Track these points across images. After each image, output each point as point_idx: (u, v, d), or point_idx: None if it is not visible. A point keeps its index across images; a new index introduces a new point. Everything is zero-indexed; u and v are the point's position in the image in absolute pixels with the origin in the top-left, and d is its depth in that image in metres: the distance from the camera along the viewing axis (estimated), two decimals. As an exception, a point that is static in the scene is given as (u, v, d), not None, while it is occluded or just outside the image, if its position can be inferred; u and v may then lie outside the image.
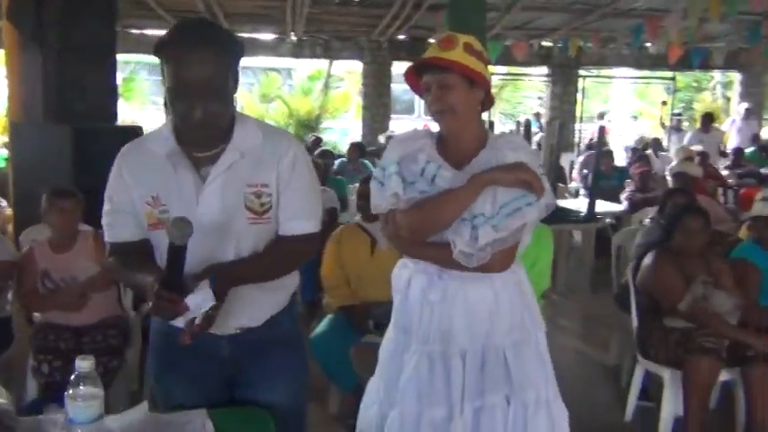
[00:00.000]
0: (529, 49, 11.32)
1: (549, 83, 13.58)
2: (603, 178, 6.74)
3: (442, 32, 3.30)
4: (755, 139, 10.74)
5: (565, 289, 5.79)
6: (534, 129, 10.77)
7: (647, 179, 7.02)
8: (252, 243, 1.76)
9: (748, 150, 9.88)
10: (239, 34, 9.57)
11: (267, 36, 11.96)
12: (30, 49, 4.48)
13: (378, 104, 12.73)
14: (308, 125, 14.89)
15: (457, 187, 1.84)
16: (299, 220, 1.78)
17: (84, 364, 1.40)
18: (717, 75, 16.90)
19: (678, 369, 3.14)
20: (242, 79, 1.78)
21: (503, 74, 14.53)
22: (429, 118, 2.09)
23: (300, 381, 1.95)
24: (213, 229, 1.70)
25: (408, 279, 1.98)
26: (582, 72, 13.49)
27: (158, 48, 1.66)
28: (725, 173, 8.37)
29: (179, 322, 1.61)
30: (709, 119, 10.38)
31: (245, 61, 1.80)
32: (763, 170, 8.69)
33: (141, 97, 16.33)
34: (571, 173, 9.53)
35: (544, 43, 12.35)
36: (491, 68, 2.32)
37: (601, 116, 13.69)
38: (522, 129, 8.42)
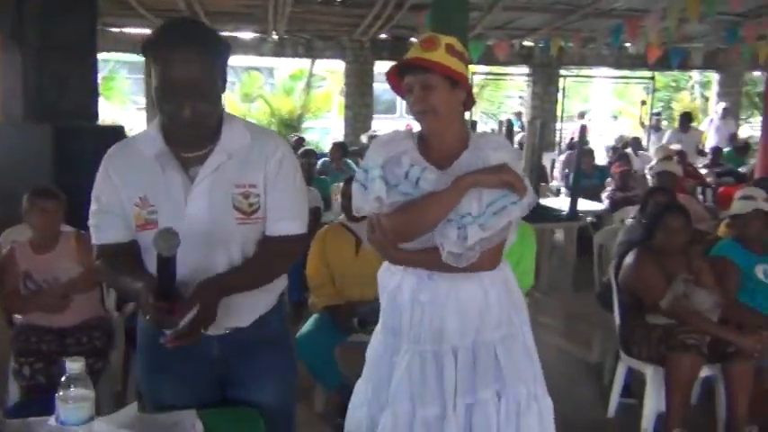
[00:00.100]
0: (510, 49, 11.34)
1: (531, 82, 13.64)
2: (585, 177, 6.77)
3: (424, 32, 3.31)
4: (732, 138, 10.88)
5: (547, 287, 5.82)
6: (516, 128, 10.80)
7: (628, 178, 7.10)
8: (241, 243, 1.76)
9: (726, 150, 10.01)
10: (221, 33, 9.48)
11: (249, 35, 11.88)
12: (9, 48, 4.43)
13: (360, 104, 12.70)
14: (290, 124, 14.81)
15: (441, 190, 1.85)
16: (285, 221, 1.79)
17: (74, 365, 1.40)
18: (695, 75, 17.04)
19: (660, 366, 3.18)
20: (226, 79, 1.76)
21: (484, 73, 14.56)
22: (411, 117, 2.09)
23: (289, 381, 1.96)
24: (202, 229, 1.70)
25: (398, 281, 1.99)
26: (563, 72, 13.56)
27: (145, 47, 1.66)
28: (703, 172, 8.47)
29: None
30: (687, 118, 10.50)
31: (226, 60, 1.77)
32: (741, 169, 8.82)
33: (121, 96, 16.11)
34: (552, 172, 9.60)
35: (525, 43, 12.39)
36: (472, 68, 2.34)
37: (581, 115, 13.74)
38: (503, 128, 8.44)
